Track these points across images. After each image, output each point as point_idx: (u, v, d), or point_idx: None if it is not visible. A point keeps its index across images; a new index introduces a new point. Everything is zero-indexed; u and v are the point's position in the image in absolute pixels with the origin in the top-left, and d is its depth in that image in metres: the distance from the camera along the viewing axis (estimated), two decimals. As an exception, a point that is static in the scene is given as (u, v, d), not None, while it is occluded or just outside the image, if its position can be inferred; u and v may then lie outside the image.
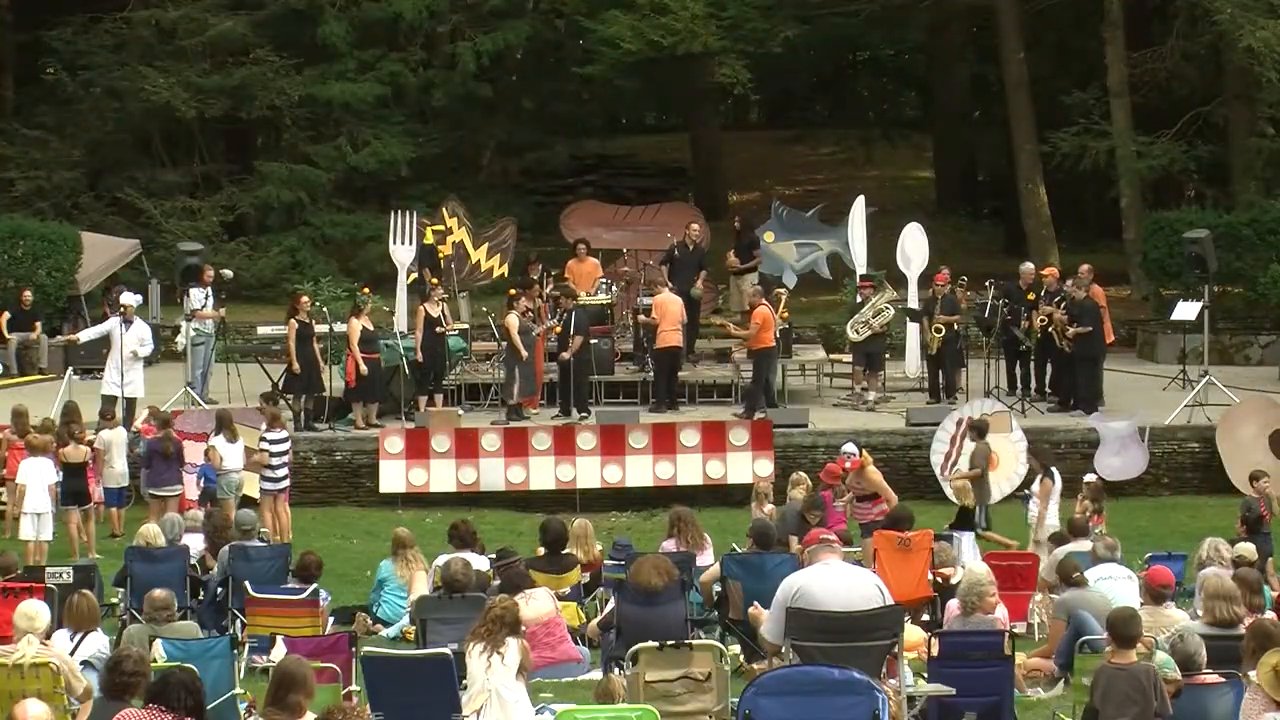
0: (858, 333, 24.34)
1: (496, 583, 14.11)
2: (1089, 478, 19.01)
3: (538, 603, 13.55)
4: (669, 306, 23.87)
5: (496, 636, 10.81)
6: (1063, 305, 23.74)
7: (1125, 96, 31.66)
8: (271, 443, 19.58)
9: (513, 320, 23.15)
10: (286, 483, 19.85)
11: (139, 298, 24.68)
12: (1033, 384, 24.58)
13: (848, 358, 25.44)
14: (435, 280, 24.66)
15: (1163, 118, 31.95)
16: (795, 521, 17.05)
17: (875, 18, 34.49)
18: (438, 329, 23.47)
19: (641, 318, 24.79)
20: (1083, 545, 15.52)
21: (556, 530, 15.57)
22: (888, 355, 25.61)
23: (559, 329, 23.57)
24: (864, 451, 19.07)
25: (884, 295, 24.71)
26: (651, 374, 24.31)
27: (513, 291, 24.40)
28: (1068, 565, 13.89)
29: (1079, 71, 35.02)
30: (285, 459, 19.85)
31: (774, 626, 10.36)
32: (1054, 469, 18.38)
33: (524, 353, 23.12)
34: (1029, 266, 25.69)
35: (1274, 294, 28.15)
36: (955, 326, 24.25)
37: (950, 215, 38.18)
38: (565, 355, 23.35)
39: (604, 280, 26.37)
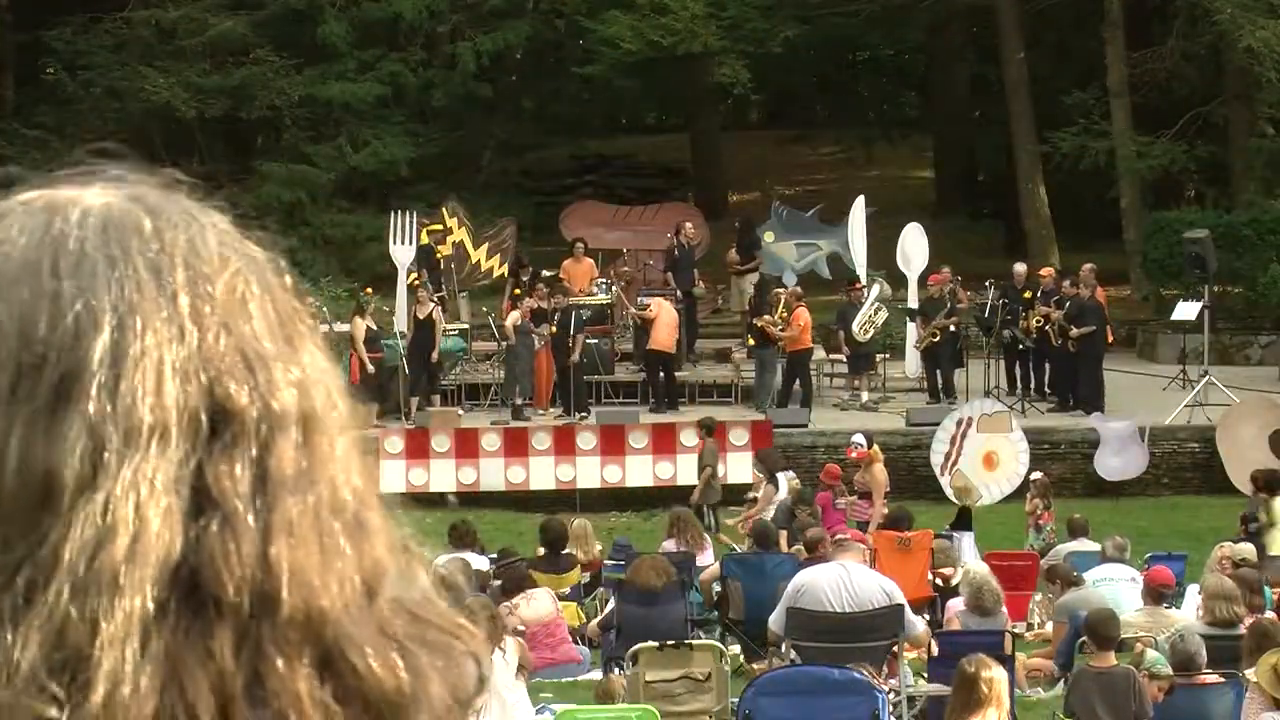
0: (865, 332, 24.32)
1: (497, 583, 14.12)
2: (1035, 475, 19.06)
3: (538, 603, 13.53)
4: (666, 307, 23.94)
5: (494, 635, 10.82)
6: (1065, 305, 23.74)
7: (1125, 96, 31.65)
8: None
9: (514, 316, 23.23)
10: None
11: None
12: (1032, 384, 24.59)
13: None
14: (417, 281, 24.65)
15: (1163, 118, 31.94)
16: (784, 517, 17.12)
17: (875, 18, 34.48)
18: (434, 329, 23.52)
19: (633, 311, 24.79)
20: (1086, 545, 15.54)
21: (557, 530, 15.58)
22: (886, 355, 25.63)
23: (555, 330, 23.50)
24: (875, 448, 19.00)
25: (880, 290, 24.66)
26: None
27: (518, 291, 24.40)
28: (1063, 568, 13.94)
29: (1079, 71, 35.00)
30: None
31: (780, 618, 10.45)
32: (779, 475, 18.51)
33: (512, 340, 23.14)
34: (1021, 267, 25.70)
35: (1274, 294, 28.14)
36: (952, 327, 24.28)
37: (950, 215, 38.12)
38: (574, 358, 23.27)
39: (602, 280, 26.36)
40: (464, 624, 0.93)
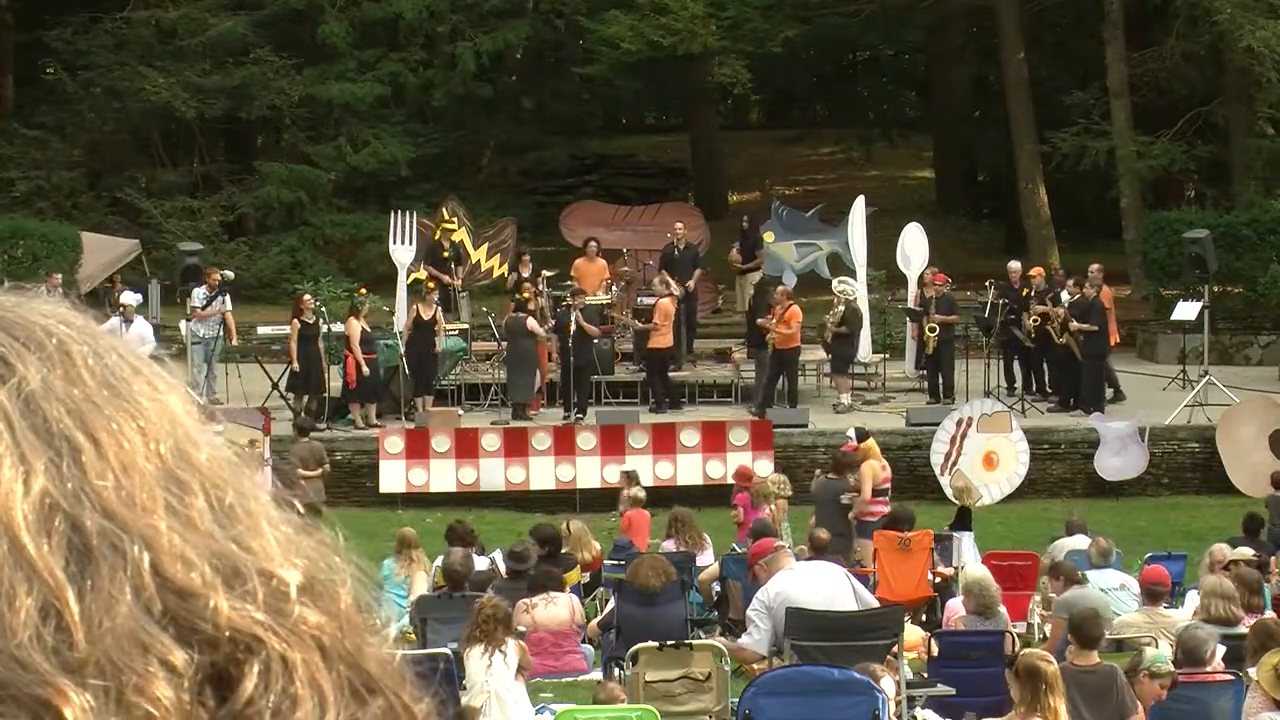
0: (827, 336, 24.40)
1: (504, 576, 14.13)
2: None
3: (556, 608, 13.43)
4: (669, 308, 23.98)
5: (495, 636, 10.81)
6: (1069, 304, 23.70)
7: (1125, 96, 31.66)
8: None
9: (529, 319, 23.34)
10: None
11: (139, 296, 24.67)
12: (1030, 382, 24.57)
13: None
14: (430, 284, 24.65)
15: (1163, 118, 31.95)
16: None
17: (875, 18, 34.50)
18: (435, 328, 23.53)
19: (638, 324, 24.76)
20: (1084, 543, 15.52)
21: (548, 534, 15.56)
22: (887, 356, 25.61)
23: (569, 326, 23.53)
24: (870, 445, 18.69)
25: (843, 297, 24.58)
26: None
27: (525, 292, 24.41)
28: (1067, 566, 13.94)
29: (1079, 71, 35.02)
30: None
31: (760, 637, 10.38)
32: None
33: (539, 335, 23.27)
34: (1015, 265, 25.72)
35: (1274, 294, 28.14)
36: (951, 326, 24.28)
37: (950, 215, 38.16)
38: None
39: (607, 281, 26.38)
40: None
